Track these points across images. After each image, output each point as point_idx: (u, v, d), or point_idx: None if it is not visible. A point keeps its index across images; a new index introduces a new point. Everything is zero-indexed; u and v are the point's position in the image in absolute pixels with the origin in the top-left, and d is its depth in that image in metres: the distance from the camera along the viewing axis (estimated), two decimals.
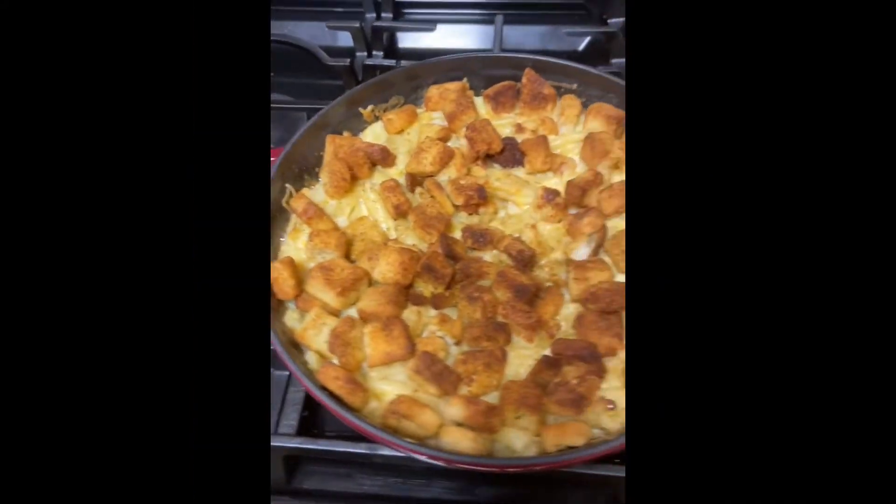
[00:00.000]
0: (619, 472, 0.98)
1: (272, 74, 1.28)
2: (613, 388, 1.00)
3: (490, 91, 1.35)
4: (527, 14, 1.85)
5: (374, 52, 1.74)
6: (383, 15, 1.84)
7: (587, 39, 1.81)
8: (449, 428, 0.94)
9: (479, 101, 1.38)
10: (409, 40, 1.83)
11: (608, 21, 1.79)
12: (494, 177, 1.24)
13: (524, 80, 1.34)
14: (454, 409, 0.94)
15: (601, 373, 1.00)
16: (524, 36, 1.80)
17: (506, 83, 1.36)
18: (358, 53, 1.73)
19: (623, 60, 1.65)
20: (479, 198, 1.18)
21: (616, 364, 1.02)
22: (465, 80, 1.39)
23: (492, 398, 1.00)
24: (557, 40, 1.80)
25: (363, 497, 1.08)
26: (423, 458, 0.90)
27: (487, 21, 1.76)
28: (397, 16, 1.85)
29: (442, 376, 0.97)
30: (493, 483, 1.06)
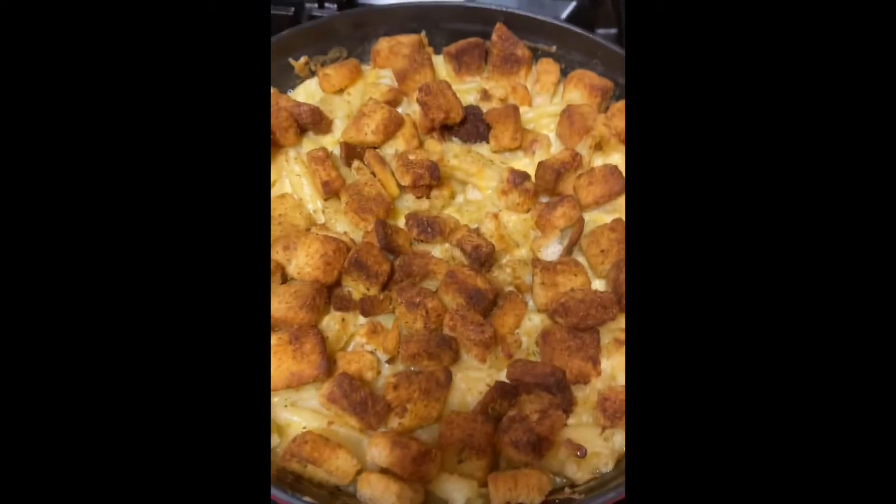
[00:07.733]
0: None
1: None
2: (583, 424, 0.80)
3: (452, 48, 1.12)
4: None
5: (328, 5, 1.48)
6: None
7: (571, 6, 1.61)
8: (369, 475, 0.72)
9: (438, 61, 1.14)
10: None
11: None
12: (452, 153, 1.02)
13: (494, 37, 1.12)
14: (377, 451, 0.72)
15: (569, 406, 0.79)
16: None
17: (472, 40, 1.12)
18: (307, 4, 1.47)
19: (610, 31, 1.45)
20: (432, 178, 0.96)
21: (588, 394, 0.81)
22: (422, 33, 1.15)
23: (429, 432, 0.79)
24: (538, 7, 1.58)
25: None
26: None
27: None
28: None
29: (364, 406, 0.75)
30: None
